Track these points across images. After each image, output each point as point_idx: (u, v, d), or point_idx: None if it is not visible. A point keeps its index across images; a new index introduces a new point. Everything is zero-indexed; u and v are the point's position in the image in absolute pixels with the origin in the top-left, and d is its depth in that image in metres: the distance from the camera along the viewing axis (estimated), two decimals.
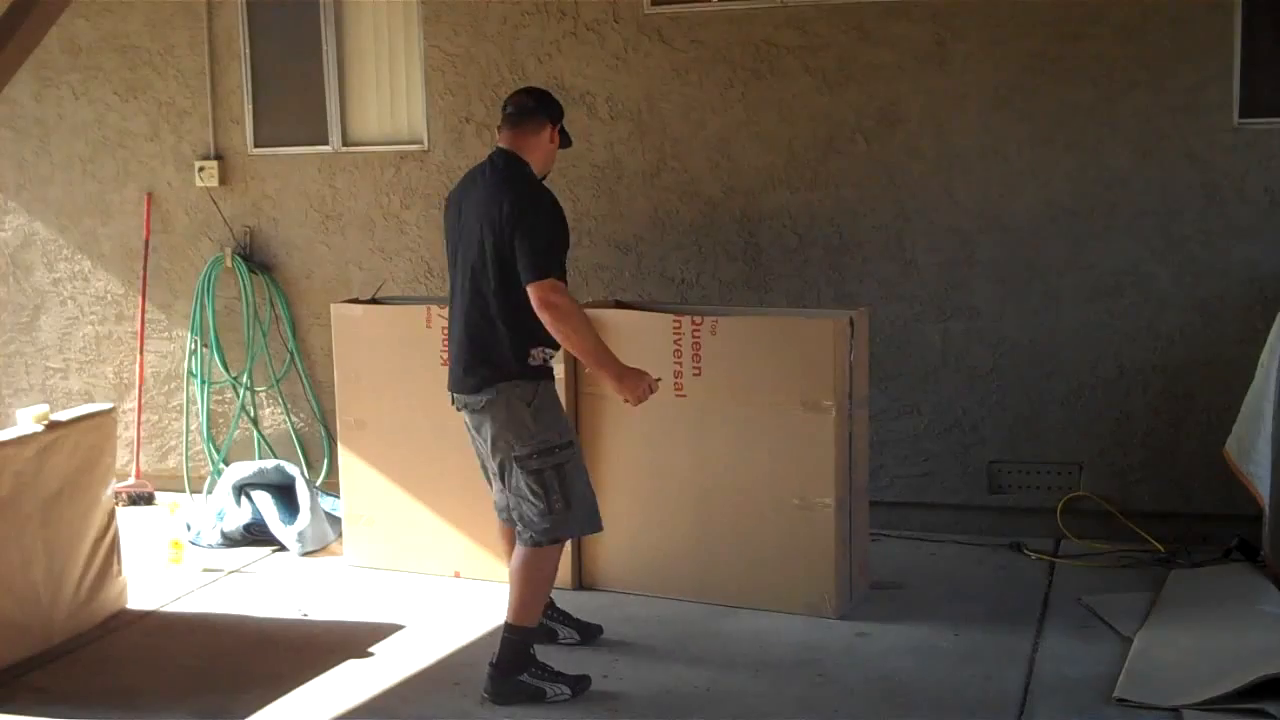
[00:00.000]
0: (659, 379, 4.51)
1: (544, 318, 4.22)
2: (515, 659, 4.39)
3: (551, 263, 4.25)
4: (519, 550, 4.43)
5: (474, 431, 4.52)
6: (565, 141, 4.63)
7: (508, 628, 4.41)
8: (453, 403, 4.55)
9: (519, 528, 4.43)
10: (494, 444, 4.39)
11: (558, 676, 4.40)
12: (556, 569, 4.49)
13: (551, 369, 4.45)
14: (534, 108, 4.51)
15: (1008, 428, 5.98)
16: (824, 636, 4.88)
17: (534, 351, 4.33)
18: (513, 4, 6.38)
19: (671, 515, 5.26)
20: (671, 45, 6.19)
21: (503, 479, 4.45)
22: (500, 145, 4.49)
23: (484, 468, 4.62)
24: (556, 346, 4.39)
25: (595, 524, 4.54)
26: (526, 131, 4.48)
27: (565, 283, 4.29)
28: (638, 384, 4.39)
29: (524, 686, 4.36)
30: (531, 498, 4.34)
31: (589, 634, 4.89)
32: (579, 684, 4.42)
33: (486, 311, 4.33)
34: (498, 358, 4.32)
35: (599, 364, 4.37)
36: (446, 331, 4.74)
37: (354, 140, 6.68)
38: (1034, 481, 5.98)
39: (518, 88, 4.83)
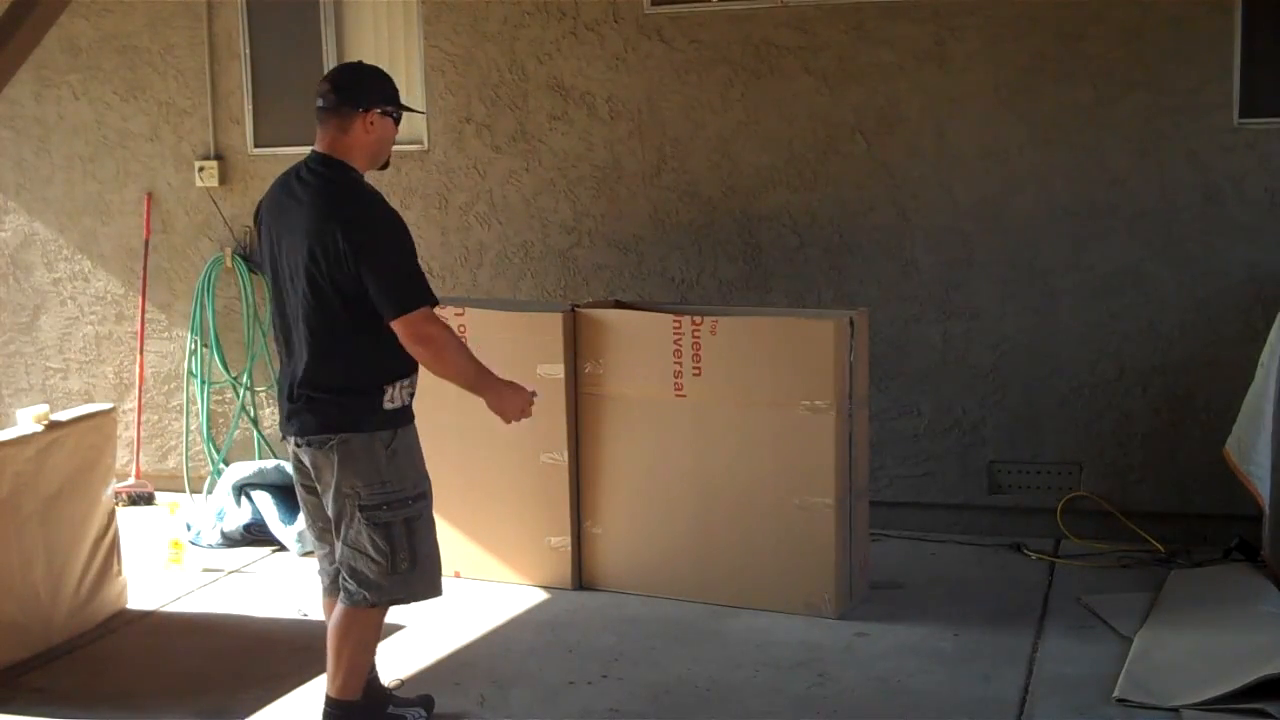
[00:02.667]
0: (534, 393, 4.01)
1: (417, 353, 3.75)
2: None
3: (416, 290, 3.72)
4: (342, 612, 3.91)
5: (309, 477, 3.93)
6: (400, 116, 3.94)
7: (330, 703, 3.97)
8: (283, 438, 3.99)
9: (348, 585, 3.87)
10: (336, 490, 3.82)
11: None
12: (380, 634, 4.05)
13: (411, 411, 3.92)
14: (335, 100, 3.83)
15: (1008, 428, 5.98)
16: (824, 636, 4.88)
17: (390, 393, 3.81)
18: (513, 4, 6.38)
19: (671, 515, 5.26)
20: (671, 45, 6.19)
21: (338, 528, 3.88)
22: (315, 148, 3.88)
23: (311, 524, 4.06)
24: (412, 383, 3.90)
25: (437, 588, 3.98)
26: (334, 128, 3.83)
27: (435, 302, 3.78)
28: (515, 401, 3.93)
29: None
30: (373, 553, 3.82)
31: (429, 705, 4.29)
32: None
33: (331, 349, 3.77)
34: (347, 401, 3.78)
35: (480, 388, 3.88)
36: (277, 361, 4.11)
37: None
38: (1034, 481, 5.98)
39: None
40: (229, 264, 6.89)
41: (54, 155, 7.16)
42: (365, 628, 3.94)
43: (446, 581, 5.55)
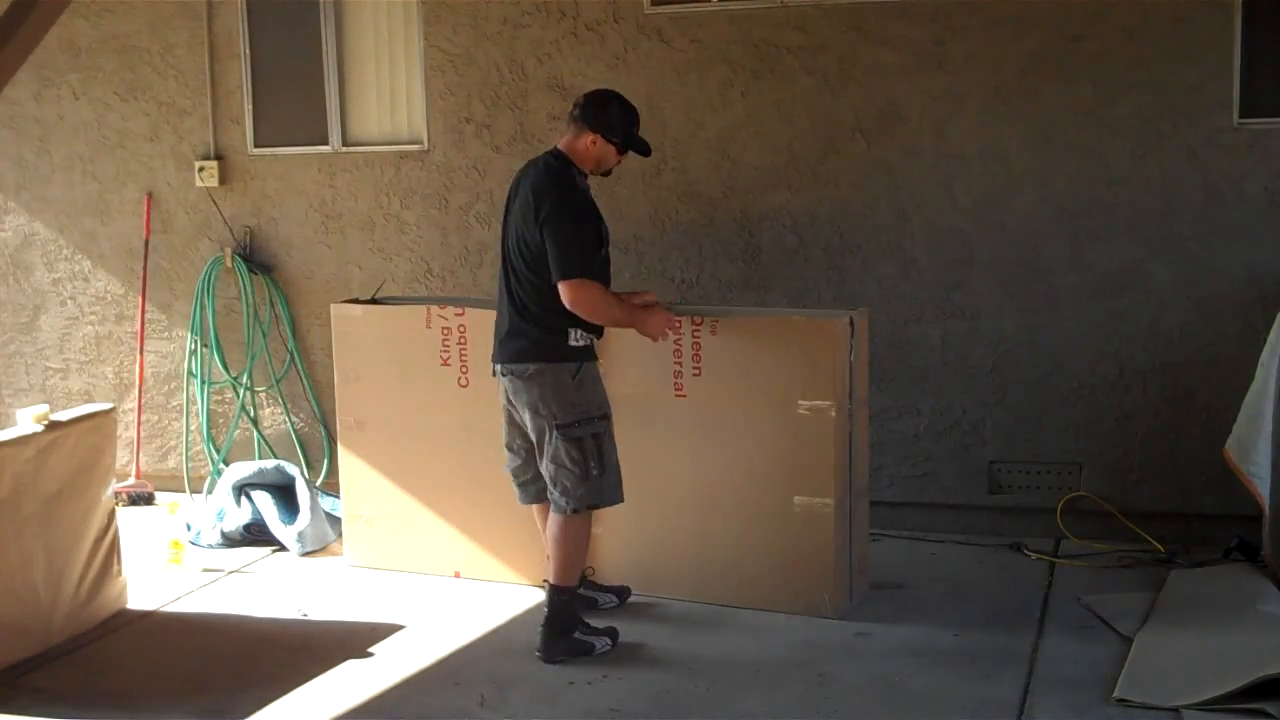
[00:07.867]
0: (669, 307, 5.07)
1: (575, 312, 4.62)
2: (565, 619, 4.75)
3: (573, 263, 4.60)
4: (555, 519, 4.76)
5: (510, 398, 4.82)
6: (626, 149, 4.85)
7: (553, 589, 4.77)
8: (494, 373, 4.86)
9: (556, 497, 4.73)
10: (535, 411, 4.71)
11: (598, 632, 4.79)
12: (590, 534, 4.85)
13: (593, 349, 4.78)
14: (579, 113, 4.81)
15: (1008, 428, 5.98)
16: (824, 636, 4.88)
17: (574, 334, 4.69)
18: (513, 4, 6.38)
19: (671, 515, 5.26)
20: (671, 45, 6.19)
21: (540, 447, 4.75)
22: (557, 144, 4.85)
23: (508, 438, 4.94)
24: (594, 330, 4.76)
25: (619, 494, 4.81)
26: (571, 133, 4.82)
27: (596, 276, 4.66)
28: (655, 323, 4.85)
29: (575, 643, 4.73)
30: (570, 464, 4.66)
31: (623, 595, 5.25)
32: (614, 634, 4.82)
33: (528, 297, 4.71)
34: (540, 338, 4.70)
35: (630, 325, 4.84)
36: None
37: (354, 140, 6.68)
38: (1034, 481, 5.98)
39: (566, 96, 4.83)
40: (229, 264, 6.88)
41: (54, 155, 7.16)
42: (578, 529, 4.76)
43: (446, 581, 5.60)
